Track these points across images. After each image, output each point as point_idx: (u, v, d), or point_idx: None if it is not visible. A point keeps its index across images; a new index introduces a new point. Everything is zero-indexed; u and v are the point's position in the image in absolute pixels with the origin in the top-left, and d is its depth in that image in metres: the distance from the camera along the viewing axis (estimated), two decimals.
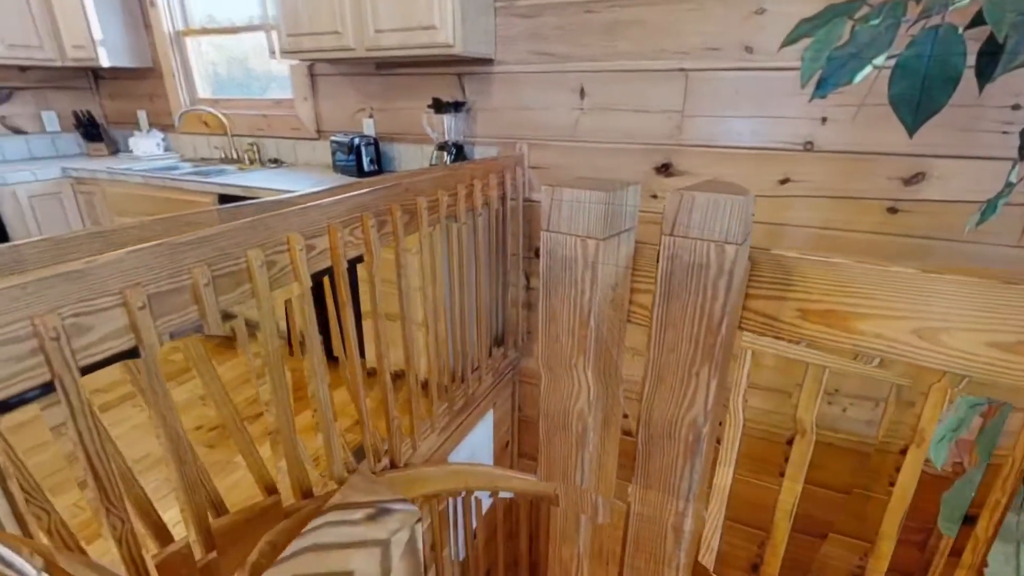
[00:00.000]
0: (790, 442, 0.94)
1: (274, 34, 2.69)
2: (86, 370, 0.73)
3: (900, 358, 0.69)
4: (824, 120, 1.62)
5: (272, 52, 2.80)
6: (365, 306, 1.80)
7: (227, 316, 0.92)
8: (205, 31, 2.99)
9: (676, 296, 0.77)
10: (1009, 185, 1.19)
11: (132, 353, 0.78)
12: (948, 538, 0.99)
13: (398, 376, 1.47)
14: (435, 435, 1.69)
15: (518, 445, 2.55)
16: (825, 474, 1.82)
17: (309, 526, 0.26)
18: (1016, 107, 1.42)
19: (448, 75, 2.18)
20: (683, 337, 0.78)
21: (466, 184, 1.62)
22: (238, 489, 1.60)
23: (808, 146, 1.66)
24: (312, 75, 2.56)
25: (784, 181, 1.73)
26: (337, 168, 2.46)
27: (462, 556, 1.77)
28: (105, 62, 2.92)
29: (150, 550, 0.92)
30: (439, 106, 2.10)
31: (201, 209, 1.08)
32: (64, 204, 2.87)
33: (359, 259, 1.24)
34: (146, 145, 3.22)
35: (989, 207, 1.24)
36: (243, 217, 0.96)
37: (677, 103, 1.80)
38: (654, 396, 0.84)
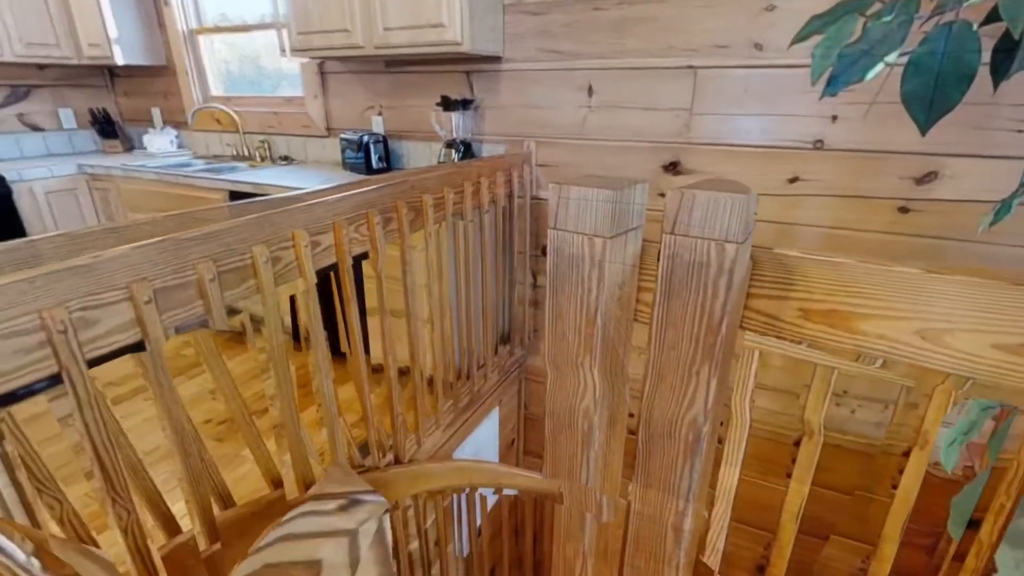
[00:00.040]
0: (797, 443, 0.93)
1: (285, 32, 2.71)
2: (93, 363, 0.74)
3: (903, 359, 0.69)
4: (834, 118, 1.60)
5: (283, 50, 2.82)
6: (371, 302, 1.81)
7: (232, 311, 0.94)
8: (218, 29, 3.02)
9: (676, 295, 0.76)
10: None
11: (138, 347, 0.80)
12: (957, 543, 0.98)
13: (403, 373, 1.48)
14: (440, 432, 1.70)
15: (524, 443, 2.55)
16: (833, 476, 1.80)
17: (287, 516, 0.27)
18: None
19: (457, 73, 2.18)
20: (683, 336, 0.77)
21: (472, 182, 1.63)
22: (246, 482, 1.62)
23: (818, 144, 1.65)
24: (322, 73, 2.58)
25: (793, 180, 1.71)
26: (346, 165, 2.48)
27: (466, 552, 1.78)
28: (120, 60, 2.97)
29: (157, 541, 0.94)
30: (447, 104, 2.11)
31: (212, 206, 1.10)
32: (80, 200, 2.92)
33: (364, 256, 1.25)
34: (160, 142, 3.27)
35: (1003, 207, 1.22)
36: (251, 214, 0.97)
37: (686, 101, 1.79)
38: (654, 394, 0.84)
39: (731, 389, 0.87)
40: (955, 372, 0.65)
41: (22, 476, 0.69)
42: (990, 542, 0.73)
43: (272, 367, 1.03)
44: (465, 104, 2.13)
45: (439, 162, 2.24)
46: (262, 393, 2.18)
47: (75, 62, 3.05)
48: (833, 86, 1.23)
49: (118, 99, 3.59)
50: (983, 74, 1.18)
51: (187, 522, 1.00)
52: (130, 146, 3.56)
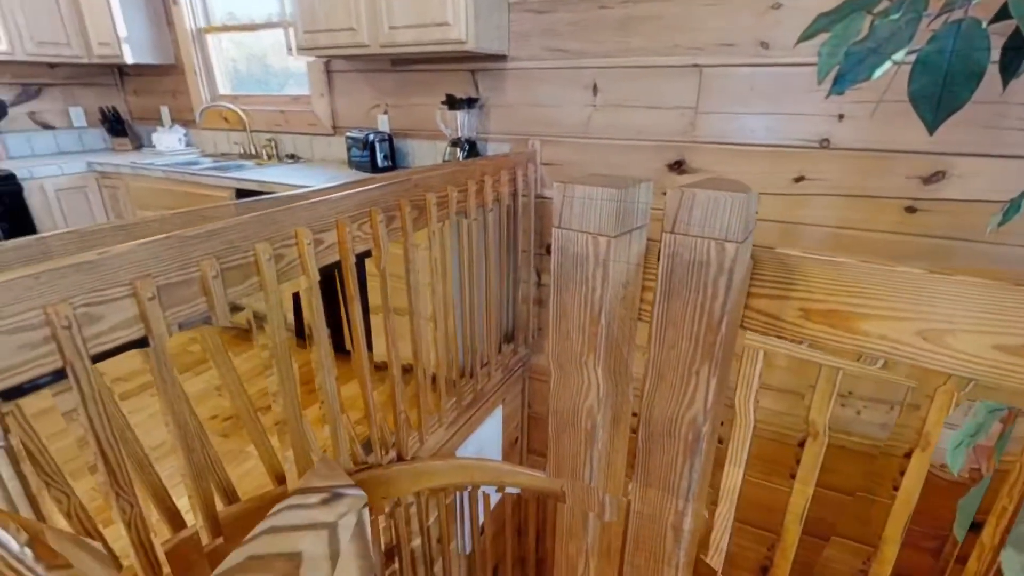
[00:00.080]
0: (802, 444, 0.92)
1: (291, 31, 2.72)
2: (97, 358, 0.75)
3: (904, 360, 0.68)
4: (841, 117, 1.59)
5: (289, 49, 2.84)
6: (374, 300, 1.82)
7: (236, 308, 0.94)
8: (226, 28, 3.04)
9: (676, 294, 0.76)
10: None
11: (142, 343, 0.80)
12: (960, 544, 0.97)
13: (407, 370, 1.49)
14: (443, 429, 1.71)
15: (528, 441, 2.55)
16: (838, 477, 1.79)
17: (273, 509, 0.27)
18: None
19: (462, 71, 2.19)
20: (683, 335, 0.77)
21: (476, 180, 1.63)
22: (250, 477, 1.63)
23: (824, 143, 1.63)
24: (328, 72, 2.59)
25: (799, 179, 1.70)
26: (352, 164, 2.49)
27: (469, 550, 1.78)
28: (129, 59, 2.99)
29: (159, 535, 0.95)
30: (452, 102, 2.11)
31: (219, 204, 1.11)
32: (89, 197, 2.95)
33: (367, 254, 1.26)
34: (168, 140, 3.29)
35: (1012, 207, 1.21)
36: (255, 211, 0.98)
37: (691, 99, 1.78)
38: (654, 393, 0.84)
39: (732, 389, 0.87)
40: (956, 373, 0.65)
41: (27, 468, 0.70)
42: (992, 545, 0.72)
43: (275, 364, 1.03)
44: (470, 103, 2.13)
45: (444, 160, 2.24)
46: (267, 390, 2.20)
47: (85, 61, 3.08)
48: (840, 85, 1.22)
49: (128, 97, 3.62)
50: (992, 72, 1.16)
51: (192, 517, 1.01)
52: (139, 144, 3.59)
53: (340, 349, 1.52)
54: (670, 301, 0.77)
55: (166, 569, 0.90)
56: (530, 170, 2.05)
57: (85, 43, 3.04)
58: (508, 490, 1.45)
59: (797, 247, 1.39)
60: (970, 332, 0.62)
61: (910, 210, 1.58)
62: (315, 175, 2.39)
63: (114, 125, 3.47)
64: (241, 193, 2.31)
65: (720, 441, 0.93)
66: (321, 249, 1.10)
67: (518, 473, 1.39)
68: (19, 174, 2.66)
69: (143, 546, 0.86)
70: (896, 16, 1.20)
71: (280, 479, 1.16)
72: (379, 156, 2.38)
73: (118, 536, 0.86)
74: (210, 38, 3.10)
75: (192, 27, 3.07)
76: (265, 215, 0.96)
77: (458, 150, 2.17)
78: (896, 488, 0.78)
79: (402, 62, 2.34)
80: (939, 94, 1.20)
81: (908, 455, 0.74)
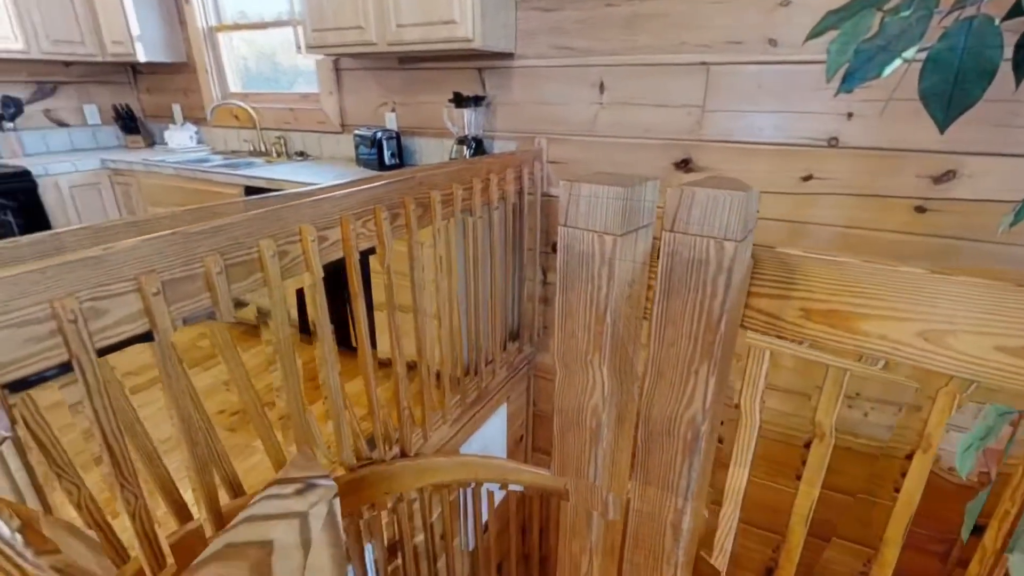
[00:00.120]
0: (808, 445, 0.92)
1: (300, 29, 2.74)
2: (103, 352, 0.76)
3: (905, 361, 0.67)
4: (850, 115, 1.57)
5: (299, 47, 2.86)
6: (378, 297, 1.83)
7: (240, 304, 0.95)
8: (237, 27, 3.06)
9: (676, 292, 0.76)
10: None
11: (147, 337, 0.82)
12: (964, 543, 0.96)
13: (411, 367, 1.50)
14: (447, 426, 1.71)
15: (533, 439, 2.56)
16: (844, 479, 1.78)
17: (253, 499, 0.28)
18: None
19: (469, 69, 2.19)
20: (682, 334, 0.77)
21: (482, 178, 1.63)
22: (256, 471, 1.65)
23: (833, 142, 1.62)
24: (337, 70, 2.60)
25: (807, 178, 1.69)
26: (360, 161, 2.50)
27: (472, 546, 1.79)
28: (142, 57, 3.03)
29: (167, 527, 0.96)
30: (459, 100, 2.12)
31: (228, 201, 1.12)
32: (102, 194, 2.99)
33: (372, 251, 1.27)
34: (180, 138, 3.33)
35: None
36: (260, 208, 0.99)
37: (698, 97, 1.77)
38: (654, 392, 0.84)
39: (732, 388, 0.87)
40: (958, 375, 0.64)
41: (34, 459, 0.71)
42: (995, 548, 0.72)
43: (279, 359, 1.05)
44: (477, 101, 2.13)
45: (451, 158, 2.25)
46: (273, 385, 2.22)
47: (99, 59, 3.12)
48: (849, 83, 1.21)
49: (141, 95, 3.67)
50: (1004, 70, 1.15)
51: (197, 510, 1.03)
52: (152, 142, 3.63)
53: (347, 345, 1.54)
54: (669, 299, 0.77)
55: (170, 560, 0.92)
56: (536, 168, 2.05)
57: (99, 42, 3.08)
58: (512, 488, 1.46)
59: (805, 247, 1.38)
60: (971, 333, 0.62)
61: (920, 210, 1.56)
62: (323, 173, 2.40)
63: (127, 123, 3.52)
64: (250, 190, 2.33)
65: (720, 440, 0.93)
66: (325, 246, 1.11)
67: (521, 471, 1.39)
68: (34, 171, 2.70)
69: (147, 537, 0.87)
70: (907, 13, 1.19)
71: None
72: (387, 154, 2.39)
73: (126, 527, 0.88)
74: (221, 36, 3.13)
75: (204, 25, 3.10)
76: (269, 212, 0.97)
77: (465, 148, 2.17)
78: (897, 490, 0.77)
79: (410, 60, 2.35)
80: (950, 92, 1.18)
81: (909, 457, 0.73)
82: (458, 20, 1.82)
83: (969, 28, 1.11)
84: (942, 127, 1.11)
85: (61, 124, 3.39)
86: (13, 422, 0.68)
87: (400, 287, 1.34)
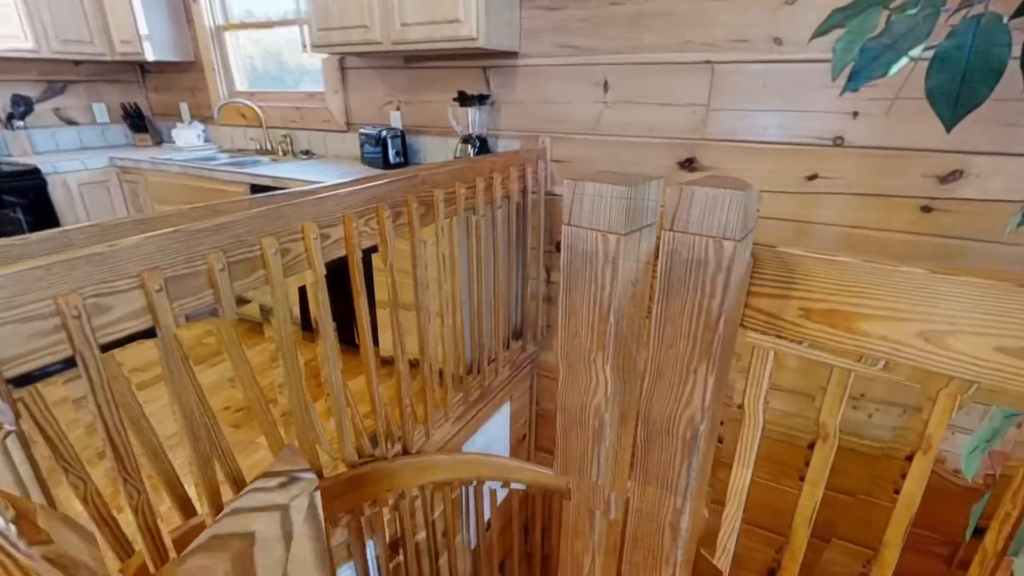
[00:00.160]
0: (811, 446, 0.92)
1: (306, 28, 2.75)
2: (106, 347, 0.77)
3: (905, 361, 0.67)
4: (855, 114, 1.56)
5: (304, 46, 2.87)
6: (380, 295, 1.84)
7: (243, 301, 0.96)
8: (244, 26, 3.08)
9: (675, 292, 0.76)
10: None
11: (150, 333, 0.82)
12: (966, 544, 0.96)
13: (413, 365, 1.50)
14: (449, 424, 1.72)
15: (536, 438, 2.56)
16: (848, 480, 1.77)
17: (241, 492, 0.28)
18: None
19: (473, 68, 2.19)
20: (681, 333, 0.77)
21: (485, 177, 1.63)
22: (260, 467, 1.66)
23: (838, 141, 1.61)
24: (343, 68, 2.61)
25: (812, 177, 1.68)
26: (365, 160, 2.51)
27: (474, 544, 1.80)
28: (150, 56, 3.05)
29: (172, 522, 0.97)
30: (464, 99, 2.12)
31: (234, 199, 1.13)
32: (111, 192, 3.02)
33: (375, 249, 1.27)
34: (187, 136, 3.35)
35: None
36: (263, 206, 1.00)
37: (702, 96, 1.76)
38: (653, 391, 0.84)
39: (732, 388, 0.86)
40: (958, 375, 0.64)
41: (39, 453, 0.72)
42: (995, 551, 0.71)
43: (281, 356, 1.05)
44: (481, 99, 2.14)
45: (455, 157, 2.25)
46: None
47: (108, 58, 3.15)
48: (855, 81, 1.20)
49: (149, 94, 3.70)
50: (1012, 69, 1.14)
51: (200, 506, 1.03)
52: (159, 140, 3.66)
53: (351, 342, 1.54)
54: (669, 299, 0.77)
55: (172, 555, 0.93)
56: (540, 167, 2.04)
57: (108, 41, 3.11)
58: (513, 486, 1.46)
59: (809, 246, 1.37)
60: (971, 334, 0.61)
61: (926, 210, 1.55)
62: (328, 171, 2.41)
63: (136, 121, 3.55)
64: (256, 188, 2.34)
65: (720, 440, 0.92)
66: (328, 244, 1.11)
67: (523, 469, 1.40)
68: (44, 168, 2.73)
69: (150, 531, 0.88)
70: (913, 11, 1.18)
71: None
72: (391, 152, 2.40)
73: (131, 521, 0.89)
74: (228, 35, 3.15)
75: (211, 25, 3.12)
76: (272, 210, 0.97)
77: (469, 147, 2.18)
78: (897, 491, 0.77)
79: (414, 59, 2.35)
80: (957, 91, 1.18)
81: (910, 458, 0.73)
82: (462, 19, 1.82)
83: (977, 26, 1.10)
84: (949, 126, 1.10)
85: (70, 122, 3.42)
86: (17, 416, 0.69)
87: (403, 285, 1.34)
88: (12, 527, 0.24)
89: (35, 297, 0.67)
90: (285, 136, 2.99)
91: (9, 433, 0.54)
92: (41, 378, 0.75)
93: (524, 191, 1.96)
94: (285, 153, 3.00)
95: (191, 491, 1.04)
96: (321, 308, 1.12)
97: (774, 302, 0.75)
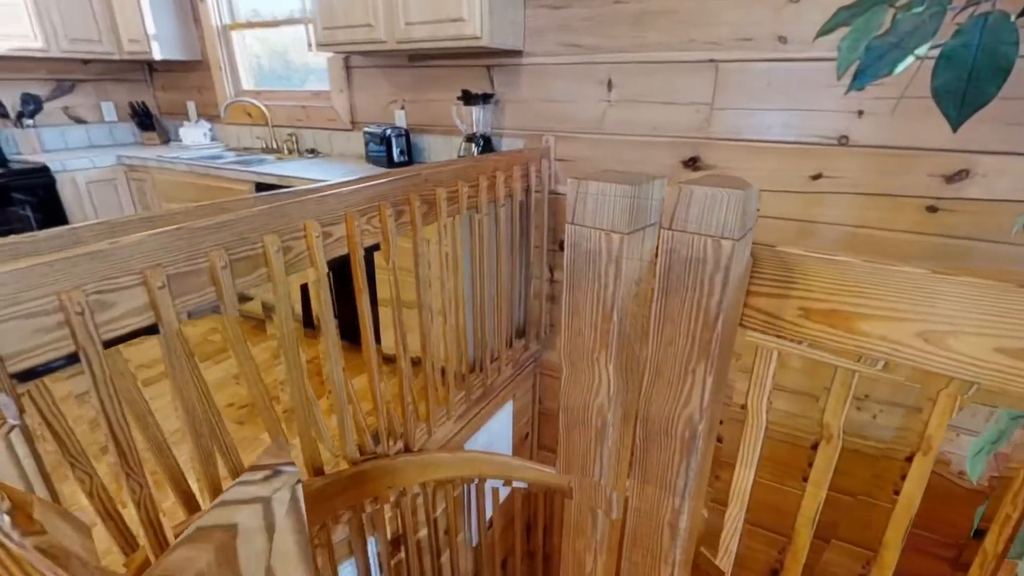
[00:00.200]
0: (814, 447, 0.91)
1: (312, 27, 2.76)
2: (109, 343, 0.78)
3: (905, 361, 0.67)
4: (860, 113, 1.55)
5: (310, 45, 2.88)
6: (383, 293, 1.84)
7: (245, 298, 0.97)
8: (250, 25, 3.10)
9: (674, 291, 0.76)
10: None
11: (152, 329, 0.83)
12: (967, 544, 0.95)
13: (416, 363, 1.51)
14: (451, 422, 1.72)
15: (538, 437, 2.56)
16: (851, 481, 1.76)
17: (228, 486, 0.29)
18: None
19: (477, 67, 2.19)
20: (680, 332, 0.77)
21: (488, 176, 1.63)
22: None
23: (843, 140, 1.60)
24: (348, 67, 2.62)
25: (817, 177, 1.67)
26: (369, 159, 2.52)
27: (475, 542, 1.80)
28: (158, 55, 3.08)
29: (176, 517, 0.98)
30: (468, 98, 2.12)
31: (239, 197, 1.13)
32: (118, 190, 3.05)
33: (377, 247, 1.28)
34: (194, 135, 3.38)
35: None
36: (265, 204, 1.00)
37: (706, 95, 1.76)
38: (652, 390, 0.84)
39: (732, 388, 0.86)
40: (958, 376, 0.63)
41: (43, 448, 0.73)
42: (995, 553, 0.71)
43: (283, 354, 1.06)
44: (485, 98, 2.14)
45: (459, 156, 2.25)
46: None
47: (116, 57, 3.18)
48: (860, 80, 1.19)
49: (156, 93, 3.72)
50: (1020, 67, 1.13)
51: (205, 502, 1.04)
52: (167, 138, 3.69)
53: (354, 340, 1.55)
54: (668, 298, 0.77)
55: None
56: (544, 166, 2.04)
57: (116, 40, 3.13)
58: (515, 484, 1.46)
59: (813, 246, 1.36)
60: (971, 334, 0.61)
61: (931, 210, 1.54)
62: (333, 169, 2.42)
63: (143, 120, 3.58)
64: (261, 187, 2.35)
65: (720, 440, 0.92)
66: (330, 242, 1.12)
67: (525, 468, 1.40)
68: (52, 167, 2.76)
69: (152, 526, 0.89)
70: (919, 9, 1.17)
71: None
72: (395, 151, 2.41)
73: (135, 516, 0.90)
74: (235, 35, 3.16)
75: (218, 24, 3.13)
76: (274, 208, 0.98)
77: (473, 145, 2.18)
78: (897, 492, 0.76)
79: (419, 58, 2.35)
80: (964, 90, 1.17)
81: (910, 459, 0.72)
82: (466, 18, 1.82)
83: (984, 24, 1.10)
84: (955, 125, 1.09)
85: (79, 121, 3.45)
86: (21, 411, 0.70)
87: (405, 283, 1.35)
88: (6, 517, 0.25)
89: (39, 293, 0.68)
90: (291, 135, 3.00)
91: (13, 427, 0.54)
92: (45, 373, 0.76)
93: (528, 190, 1.96)
94: (291, 152, 3.02)
95: (195, 486, 1.04)
96: (323, 306, 1.13)
97: (773, 301, 0.75)
